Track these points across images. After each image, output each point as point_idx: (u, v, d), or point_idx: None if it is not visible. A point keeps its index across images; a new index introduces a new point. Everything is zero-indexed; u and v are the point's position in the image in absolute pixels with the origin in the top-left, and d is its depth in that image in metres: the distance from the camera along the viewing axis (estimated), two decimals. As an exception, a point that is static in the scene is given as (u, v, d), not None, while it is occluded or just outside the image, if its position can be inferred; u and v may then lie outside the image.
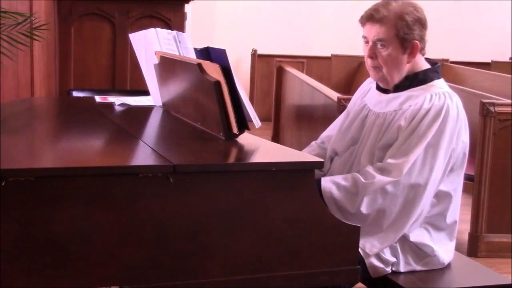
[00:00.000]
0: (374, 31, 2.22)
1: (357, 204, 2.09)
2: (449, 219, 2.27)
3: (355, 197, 2.10)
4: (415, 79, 2.25)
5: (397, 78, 2.26)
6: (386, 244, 2.15)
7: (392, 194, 2.10)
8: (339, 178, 2.16)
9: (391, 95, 2.28)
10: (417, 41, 2.21)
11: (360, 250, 2.10)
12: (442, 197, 2.23)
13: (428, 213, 2.23)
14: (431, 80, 2.25)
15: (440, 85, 2.25)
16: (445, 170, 2.19)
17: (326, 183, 2.14)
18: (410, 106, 2.20)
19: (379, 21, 2.20)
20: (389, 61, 2.22)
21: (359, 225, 1.86)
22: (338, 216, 1.98)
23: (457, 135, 2.18)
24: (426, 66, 2.29)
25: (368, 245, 2.12)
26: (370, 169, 2.14)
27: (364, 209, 2.09)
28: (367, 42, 2.26)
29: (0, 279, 1.55)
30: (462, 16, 9.41)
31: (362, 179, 2.11)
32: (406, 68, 2.25)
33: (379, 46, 2.22)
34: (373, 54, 2.25)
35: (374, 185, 2.09)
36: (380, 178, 2.10)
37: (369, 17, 2.22)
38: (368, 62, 2.28)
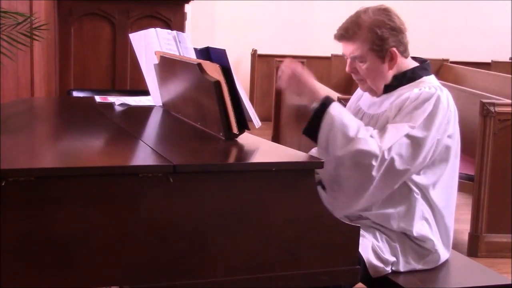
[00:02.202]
0: (348, 49, 2.25)
1: (341, 151, 2.06)
2: (445, 214, 2.26)
3: (346, 142, 2.06)
4: (404, 78, 2.26)
5: (382, 86, 2.28)
6: (345, 211, 2.15)
7: (373, 167, 2.06)
8: (348, 118, 2.12)
9: (383, 96, 2.29)
10: (394, 48, 2.22)
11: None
12: (420, 189, 2.20)
13: (419, 206, 2.21)
14: (420, 76, 2.27)
15: (429, 80, 2.27)
16: (425, 158, 2.15)
17: (336, 111, 2.10)
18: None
19: (350, 39, 2.23)
20: (370, 73, 2.25)
21: (359, 225, 1.87)
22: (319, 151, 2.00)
23: (445, 125, 2.17)
24: (414, 65, 2.30)
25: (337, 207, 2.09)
26: (374, 133, 2.11)
27: (343, 157, 2.06)
28: (346, 58, 2.29)
29: (0, 279, 1.55)
30: (462, 16, 9.40)
31: (362, 132, 2.08)
32: (390, 74, 2.26)
33: (357, 61, 2.25)
34: (353, 70, 2.28)
35: (363, 144, 2.05)
36: (372, 144, 2.06)
37: (340, 37, 2.26)
38: (352, 76, 2.32)
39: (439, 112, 2.15)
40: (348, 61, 2.28)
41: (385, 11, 2.23)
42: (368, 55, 2.22)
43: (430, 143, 2.14)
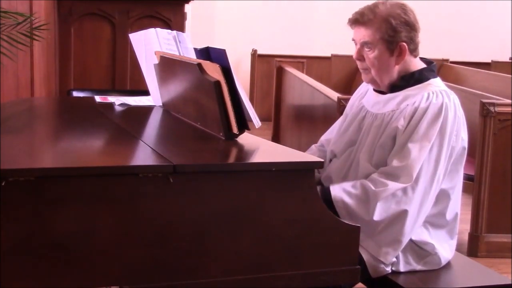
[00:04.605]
0: (360, 34, 2.24)
1: (370, 211, 2.09)
2: (448, 216, 2.28)
3: (367, 205, 2.09)
4: (411, 79, 2.26)
5: (386, 80, 2.27)
6: (399, 249, 2.16)
7: (403, 200, 2.10)
8: (348, 186, 2.14)
9: (388, 95, 2.28)
10: (404, 43, 2.21)
11: (371, 258, 2.13)
12: (441, 195, 2.23)
13: (428, 213, 2.24)
14: (428, 79, 2.26)
15: (437, 83, 2.26)
16: (446, 169, 2.20)
17: (336, 191, 2.12)
18: (407, 105, 2.21)
19: (364, 24, 2.22)
20: (376, 63, 2.24)
21: (358, 225, 1.86)
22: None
23: (456, 133, 2.19)
24: (421, 66, 2.29)
25: (383, 253, 2.14)
26: (377, 176, 2.13)
27: (377, 216, 2.08)
28: (356, 44, 2.28)
29: (0, 279, 1.55)
30: (462, 16, 9.41)
31: (372, 187, 2.10)
32: (396, 70, 2.25)
33: (366, 48, 2.24)
34: (360, 57, 2.27)
35: (384, 192, 2.09)
36: (390, 185, 2.10)
37: (355, 21, 2.25)
38: (358, 64, 2.31)
39: (448, 124, 2.16)
40: (357, 47, 2.27)
41: (402, 6, 2.24)
42: (378, 44, 2.21)
43: (446, 156, 2.17)
